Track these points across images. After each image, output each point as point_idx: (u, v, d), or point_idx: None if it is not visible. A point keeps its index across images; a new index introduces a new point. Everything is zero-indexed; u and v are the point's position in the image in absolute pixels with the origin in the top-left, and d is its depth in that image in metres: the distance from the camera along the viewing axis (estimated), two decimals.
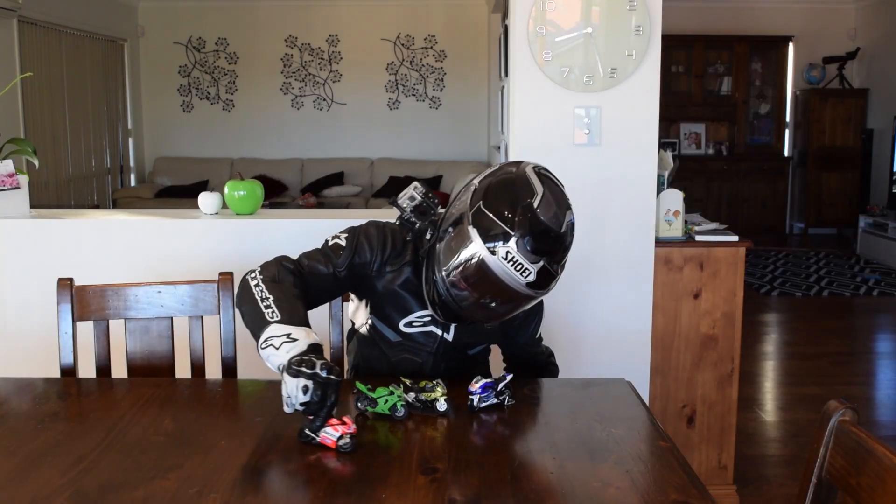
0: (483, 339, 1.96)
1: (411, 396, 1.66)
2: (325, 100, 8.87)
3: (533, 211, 1.60)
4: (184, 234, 2.80)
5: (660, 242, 2.88)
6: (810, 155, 8.63)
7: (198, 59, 8.82)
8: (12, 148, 2.86)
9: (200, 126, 8.93)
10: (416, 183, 1.82)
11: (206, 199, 2.87)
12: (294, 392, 1.48)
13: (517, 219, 1.59)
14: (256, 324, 1.64)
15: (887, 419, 4.03)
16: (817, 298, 6.38)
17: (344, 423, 1.48)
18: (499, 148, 6.68)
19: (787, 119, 9.02)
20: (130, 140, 8.72)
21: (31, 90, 6.78)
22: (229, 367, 2.08)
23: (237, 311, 1.74)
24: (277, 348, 1.55)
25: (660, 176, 2.91)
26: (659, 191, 2.89)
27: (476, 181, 1.71)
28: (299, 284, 1.76)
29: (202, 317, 2.11)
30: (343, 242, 1.85)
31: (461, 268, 1.64)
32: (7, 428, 1.62)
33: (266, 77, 8.81)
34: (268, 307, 1.64)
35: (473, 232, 1.62)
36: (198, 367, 2.09)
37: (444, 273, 1.67)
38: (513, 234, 1.59)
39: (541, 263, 1.60)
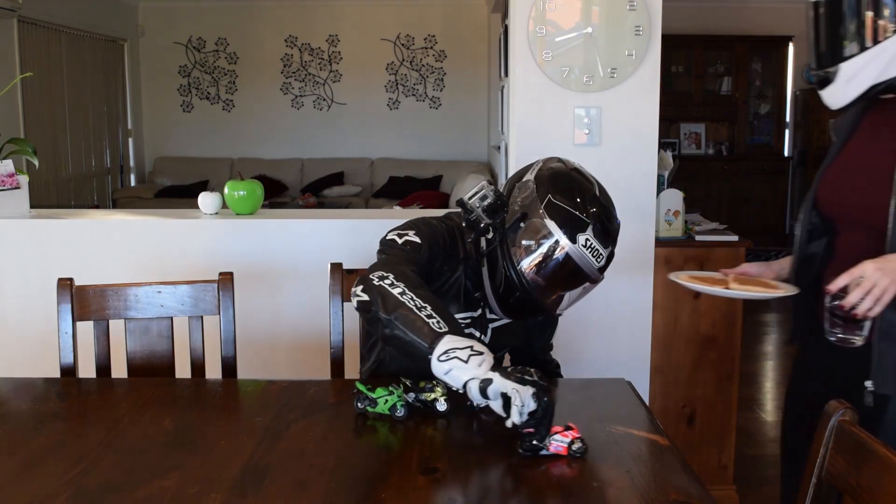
0: (510, 342, 1.98)
1: (411, 396, 1.65)
2: (325, 100, 8.87)
3: (598, 200, 1.73)
4: (184, 234, 2.80)
5: (660, 242, 2.88)
6: (810, 155, 8.62)
7: (198, 59, 8.82)
8: (12, 148, 2.86)
9: (200, 126, 8.92)
10: (485, 182, 1.81)
11: (206, 199, 2.87)
12: (528, 401, 1.43)
13: (589, 208, 1.70)
14: (421, 335, 1.51)
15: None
16: None
17: (570, 429, 1.46)
18: (499, 148, 6.67)
19: (787, 119, 9.02)
20: (130, 140, 8.72)
21: (31, 90, 6.78)
22: (229, 367, 2.08)
23: (381, 316, 1.56)
24: (466, 361, 1.46)
25: (660, 176, 2.91)
26: (659, 191, 2.89)
27: (530, 177, 1.76)
28: (418, 274, 1.69)
29: (202, 317, 2.11)
30: (417, 239, 1.79)
31: (540, 259, 1.69)
32: (7, 428, 1.62)
33: (266, 77, 8.81)
34: (430, 317, 1.54)
35: (552, 224, 1.68)
36: (198, 367, 2.09)
37: (520, 267, 1.71)
38: (589, 222, 1.68)
39: (609, 248, 1.73)
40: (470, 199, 1.78)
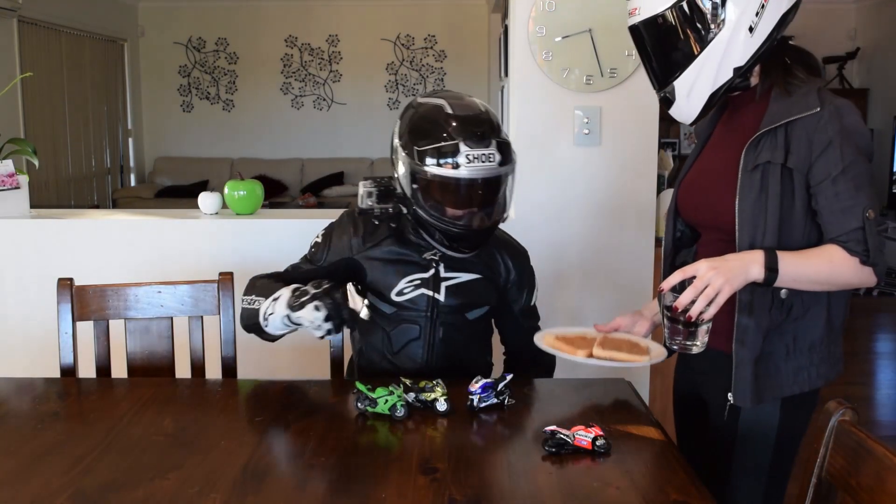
0: (477, 299, 1.97)
1: (411, 396, 1.66)
2: (325, 100, 8.87)
3: (453, 114, 1.79)
4: (184, 234, 2.80)
5: (660, 242, 2.87)
6: None
7: (198, 59, 8.82)
8: (12, 148, 2.86)
9: (200, 126, 8.93)
10: (360, 183, 1.93)
11: (206, 199, 2.87)
12: (311, 317, 1.58)
13: (449, 129, 1.76)
14: (255, 320, 1.83)
15: (887, 419, 4.03)
16: None
17: (592, 426, 1.48)
18: None
19: None
20: (130, 140, 8.72)
21: (31, 90, 6.78)
22: (229, 367, 2.08)
23: (250, 331, 1.90)
24: (273, 312, 1.75)
25: (660, 176, 2.91)
26: (659, 191, 2.89)
27: (397, 141, 1.85)
28: (276, 277, 1.95)
29: (202, 317, 2.11)
30: (319, 239, 1.99)
31: (453, 199, 1.79)
32: (7, 428, 1.62)
33: (266, 77, 8.81)
34: (253, 301, 1.85)
35: (432, 169, 1.76)
36: (198, 367, 2.09)
37: (448, 217, 1.80)
38: (456, 140, 1.75)
39: (493, 142, 1.77)
40: (362, 206, 1.90)
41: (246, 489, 1.33)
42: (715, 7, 1.50)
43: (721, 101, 1.63)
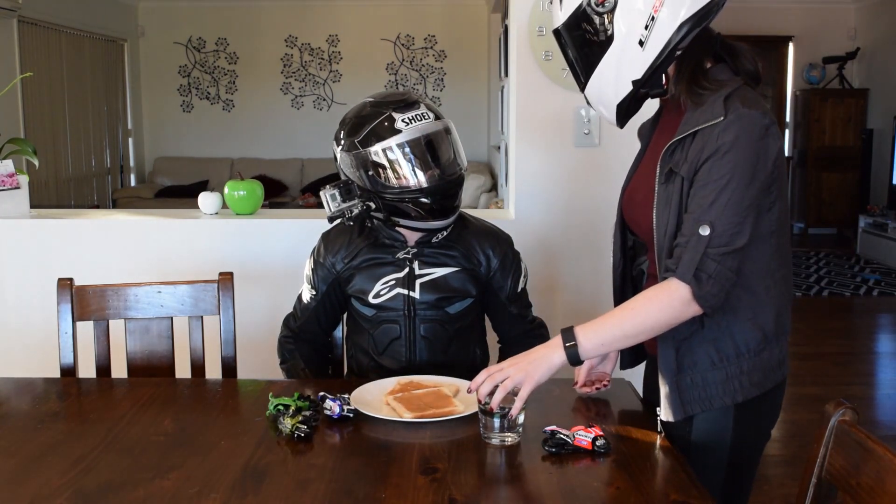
0: (455, 292, 1.97)
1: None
2: (325, 100, 8.87)
3: (375, 101, 1.91)
4: (184, 234, 2.80)
5: None
6: (810, 155, 8.63)
7: (198, 59, 8.82)
8: (12, 148, 2.86)
9: (200, 126, 8.93)
10: (321, 192, 1.97)
11: (206, 199, 2.87)
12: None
13: (377, 110, 1.88)
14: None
15: (887, 419, 4.03)
16: (817, 298, 6.38)
17: (592, 426, 1.48)
18: (499, 148, 6.68)
19: (787, 119, 9.02)
20: (130, 140, 8.73)
21: (31, 90, 6.79)
22: (229, 367, 2.08)
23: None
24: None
25: None
26: None
27: (336, 149, 1.94)
28: (295, 338, 2.09)
29: (202, 317, 2.11)
30: (308, 271, 2.05)
31: (405, 166, 1.86)
32: (7, 428, 1.62)
33: (266, 77, 8.81)
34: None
35: (383, 143, 1.84)
36: (198, 367, 2.09)
37: (408, 188, 1.86)
38: (387, 112, 1.86)
39: (420, 104, 1.90)
40: (332, 212, 1.94)
41: (246, 489, 1.34)
42: (602, 22, 1.47)
43: (662, 102, 1.60)
